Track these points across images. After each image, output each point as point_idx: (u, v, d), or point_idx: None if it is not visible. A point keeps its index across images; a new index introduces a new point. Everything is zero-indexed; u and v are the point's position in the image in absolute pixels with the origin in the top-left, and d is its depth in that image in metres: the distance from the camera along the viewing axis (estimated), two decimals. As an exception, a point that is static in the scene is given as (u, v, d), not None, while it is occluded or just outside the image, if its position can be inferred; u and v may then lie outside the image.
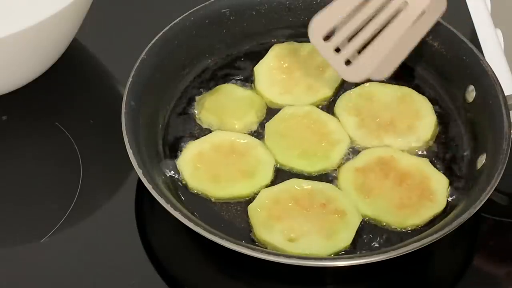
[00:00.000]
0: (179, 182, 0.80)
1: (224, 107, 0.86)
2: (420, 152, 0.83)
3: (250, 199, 0.79)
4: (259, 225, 0.76)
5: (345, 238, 0.75)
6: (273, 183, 0.81)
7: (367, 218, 0.78)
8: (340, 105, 0.87)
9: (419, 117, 0.85)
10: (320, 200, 0.78)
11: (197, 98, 0.89)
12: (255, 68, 0.90)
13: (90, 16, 0.91)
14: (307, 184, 0.79)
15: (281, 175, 0.81)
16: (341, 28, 0.81)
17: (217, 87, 0.89)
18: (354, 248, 0.76)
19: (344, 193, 0.79)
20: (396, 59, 0.82)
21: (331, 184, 0.80)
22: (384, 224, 0.77)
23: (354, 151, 0.83)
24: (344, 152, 0.83)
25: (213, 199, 0.80)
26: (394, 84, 0.88)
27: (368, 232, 0.77)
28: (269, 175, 0.81)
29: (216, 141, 0.83)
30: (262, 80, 0.89)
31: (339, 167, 0.82)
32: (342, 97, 0.87)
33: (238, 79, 0.90)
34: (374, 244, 0.76)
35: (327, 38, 0.82)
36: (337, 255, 0.74)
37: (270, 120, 0.86)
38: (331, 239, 0.75)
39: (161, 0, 1.05)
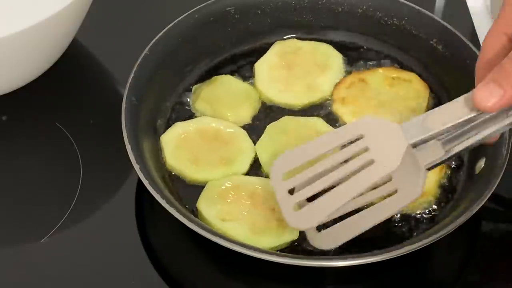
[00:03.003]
0: (179, 182, 0.81)
1: (219, 98, 0.87)
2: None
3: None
4: (205, 197, 0.77)
5: (268, 242, 0.75)
6: (248, 173, 0.81)
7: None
8: None
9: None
10: (274, 205, 0.77)
11: (193, 87, 0.88)
12: (255, 65, 0.90)
13: (90, 16, 0.91)
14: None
15: (257, 166, 0.82)
16: (302, 173, 0.74)
17: (214, 77, 0.89)
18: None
19: None
20: (352, 230, 0.73)
21: None
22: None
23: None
24: None
25: (187, 181, 0.80)
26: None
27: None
28: (246, 166, 0.81)
29: (202, 126, 0.84)
30: (262, 77, 0.89)
31: None
32: None
33: (241, 77, 0.90)
34: None
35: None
36: (334, 256, 0.74)
37: (273, 123, 0.85)
38: (255, 235, 0.75)
39: (161, 0, 1.05)
